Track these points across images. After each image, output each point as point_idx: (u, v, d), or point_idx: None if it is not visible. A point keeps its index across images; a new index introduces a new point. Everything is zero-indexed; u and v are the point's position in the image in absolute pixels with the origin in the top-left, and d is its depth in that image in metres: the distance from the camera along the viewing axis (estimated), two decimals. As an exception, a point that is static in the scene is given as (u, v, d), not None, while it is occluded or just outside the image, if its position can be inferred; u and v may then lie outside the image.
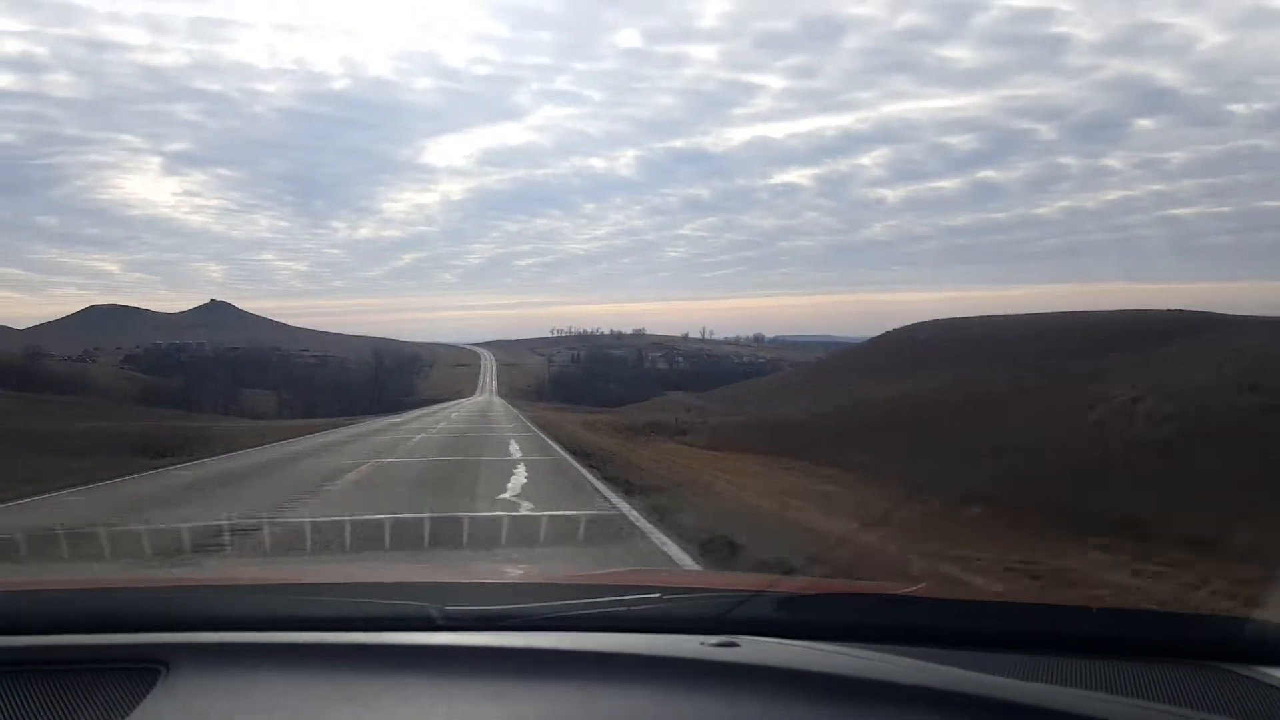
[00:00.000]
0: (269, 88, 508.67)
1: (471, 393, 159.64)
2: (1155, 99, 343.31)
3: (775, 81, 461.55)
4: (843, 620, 1.54)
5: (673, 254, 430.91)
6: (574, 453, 16.52)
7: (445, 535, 8.05)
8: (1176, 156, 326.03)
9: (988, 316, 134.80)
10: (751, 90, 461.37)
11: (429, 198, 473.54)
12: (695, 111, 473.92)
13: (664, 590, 1.66)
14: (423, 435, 27.35)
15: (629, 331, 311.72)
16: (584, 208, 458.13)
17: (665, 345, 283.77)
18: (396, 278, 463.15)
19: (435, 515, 8.65)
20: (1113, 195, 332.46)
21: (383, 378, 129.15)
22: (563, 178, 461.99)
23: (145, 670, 1.38)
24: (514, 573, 3.08)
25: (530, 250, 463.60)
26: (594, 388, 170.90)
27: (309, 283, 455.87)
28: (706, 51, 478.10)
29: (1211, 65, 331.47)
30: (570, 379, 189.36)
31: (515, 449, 19.02)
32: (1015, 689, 1.25)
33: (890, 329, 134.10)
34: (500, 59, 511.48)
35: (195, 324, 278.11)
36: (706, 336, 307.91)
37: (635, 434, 29.49)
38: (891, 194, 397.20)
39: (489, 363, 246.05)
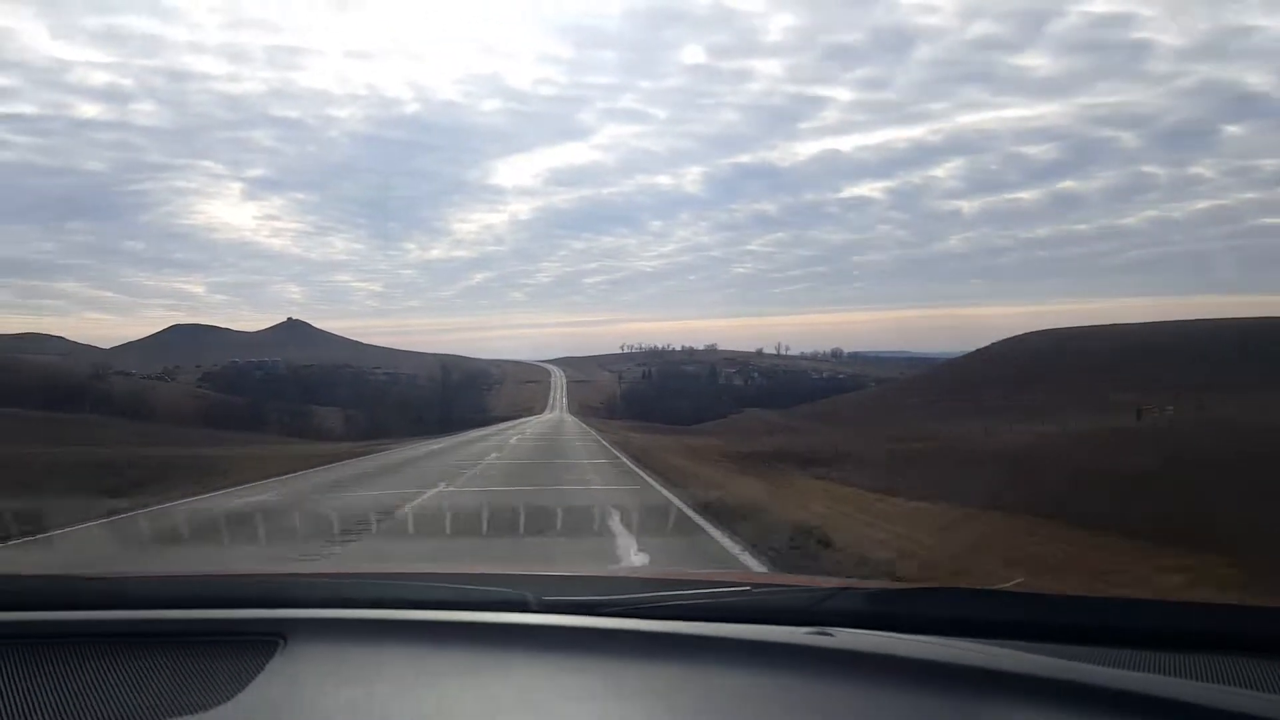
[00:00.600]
0: (342, 113, 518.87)
1: (542, 410, 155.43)
2: (1244, 104, 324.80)
3: (844, 94, 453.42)
4: (934, 613, 1.52)
5: (740, 270, 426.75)
6: (706, 511, 10.13)
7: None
8: (1269, 164, 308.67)
9: (1095, 327, 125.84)
10: (819, 103, 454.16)
11: (498, 218, 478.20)
12: (761, 126, 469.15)
13: (754, 585, 1.68)
14: (478, 468, 21.62)
15: (701, 347, 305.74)
16: (650, 225, 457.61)
17: (739, 361, 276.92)
18: (468, 296, 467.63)
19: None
20: (1202, 205, 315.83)
21: (450, 394, 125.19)
22: (628, 195, 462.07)
23: (266, 643, 1.48)
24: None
25: (597, 268, 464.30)
26: (667, 405, 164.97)
27: (384, 302, 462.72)
28: (772, 66, 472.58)
29: None
30: (642, 396, 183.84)
31: (607, 501, 11.83)
32: (1121, 679, 1.22)
33: (992, 341, 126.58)
34: (564, 79, 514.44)
35: (273, 342, 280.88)
36: (782, 352, 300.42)
37: (756, 465, 23.43)
38: (967, 206, 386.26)
39: (559, 379, 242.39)
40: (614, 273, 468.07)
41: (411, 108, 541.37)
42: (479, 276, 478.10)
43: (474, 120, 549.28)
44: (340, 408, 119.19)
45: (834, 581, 1.90)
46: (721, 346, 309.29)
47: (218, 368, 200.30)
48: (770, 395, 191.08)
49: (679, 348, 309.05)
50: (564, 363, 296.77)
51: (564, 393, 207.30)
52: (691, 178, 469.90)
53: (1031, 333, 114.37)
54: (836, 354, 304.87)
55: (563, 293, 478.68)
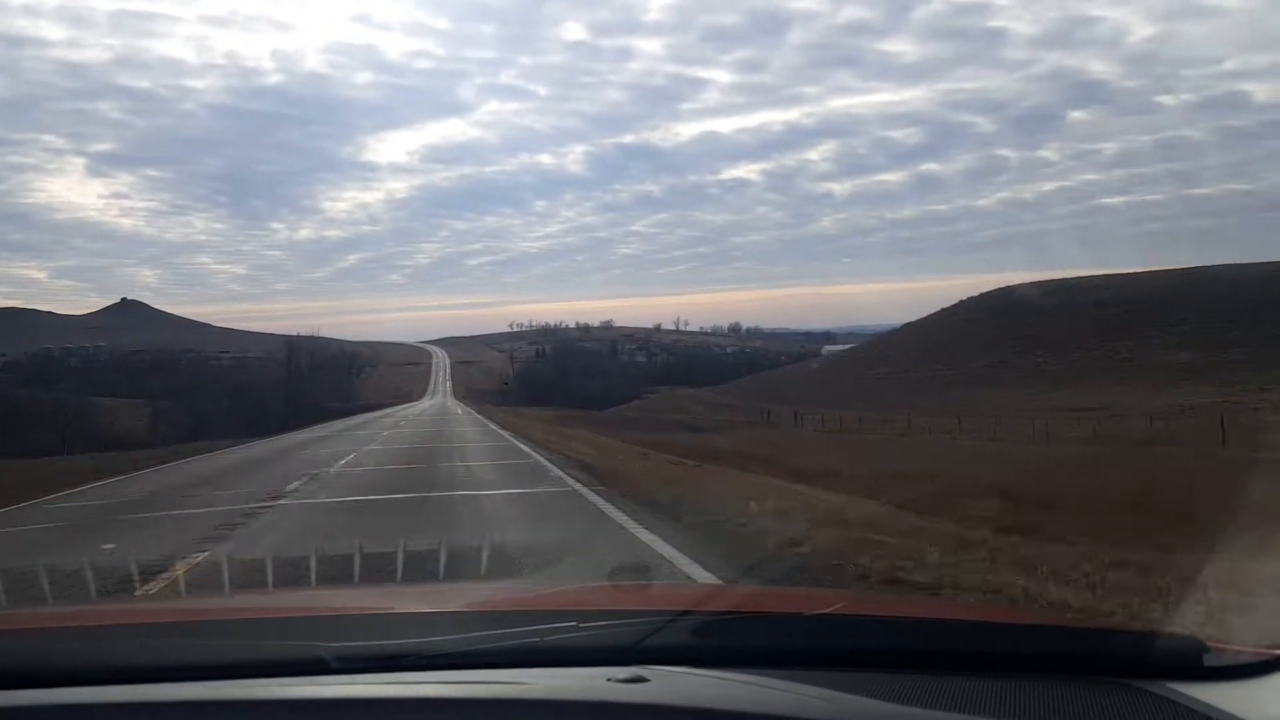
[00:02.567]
0: (199, 84, 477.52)
1: (421, 395, 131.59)
2: (1088, 90, 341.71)
3: (722, 76, 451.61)
4: (757, 644, 1.53)
5: (626, 250, 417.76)
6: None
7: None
8: (1109, 147, 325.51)
9: (1042, 283, 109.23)
10: (699, 85, 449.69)
11: (372, 196, 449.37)
12: (644, 106, 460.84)
13: (580, 616, 1.62)
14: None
15: (596, 324, 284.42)
16: (535, 205, 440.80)
17: (638, 337, 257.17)
18: (341, 279, 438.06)
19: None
20: (1049, 186, 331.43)
21: (301, 380, 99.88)
22: (511, 174, 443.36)
23: None
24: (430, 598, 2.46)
25: (481, 249, 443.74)
26: (568, 385, 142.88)
27: (249, 286, 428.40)
28: (653, 45, 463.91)
29: (1141, 58, 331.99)
30: (538, 376, 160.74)
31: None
32: (918, 717, 1.27)
33: (932, 311, 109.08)
34: (442, 52, 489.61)
35: (105, 326, 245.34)
36: (681, 328, 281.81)
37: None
38: (838, 188, 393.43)
39: (442, 360, 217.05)
40: (498, 254, 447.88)
41: (275, 79, 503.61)
42: (353, 258, 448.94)
43: (345, 94, 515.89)
44: (151, 399, 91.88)
45: (677, 599, 1.90)
46: (618, 323, 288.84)
47: (26, 355, 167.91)
48: (682, 372, 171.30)
49: (573, 325, 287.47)
50: (447, 343, 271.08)
51: (448, 375, 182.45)
52: (575, 157, 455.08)
53: (972, 297, 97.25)
54: (735, 329, 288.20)
55: (444, 275, 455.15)
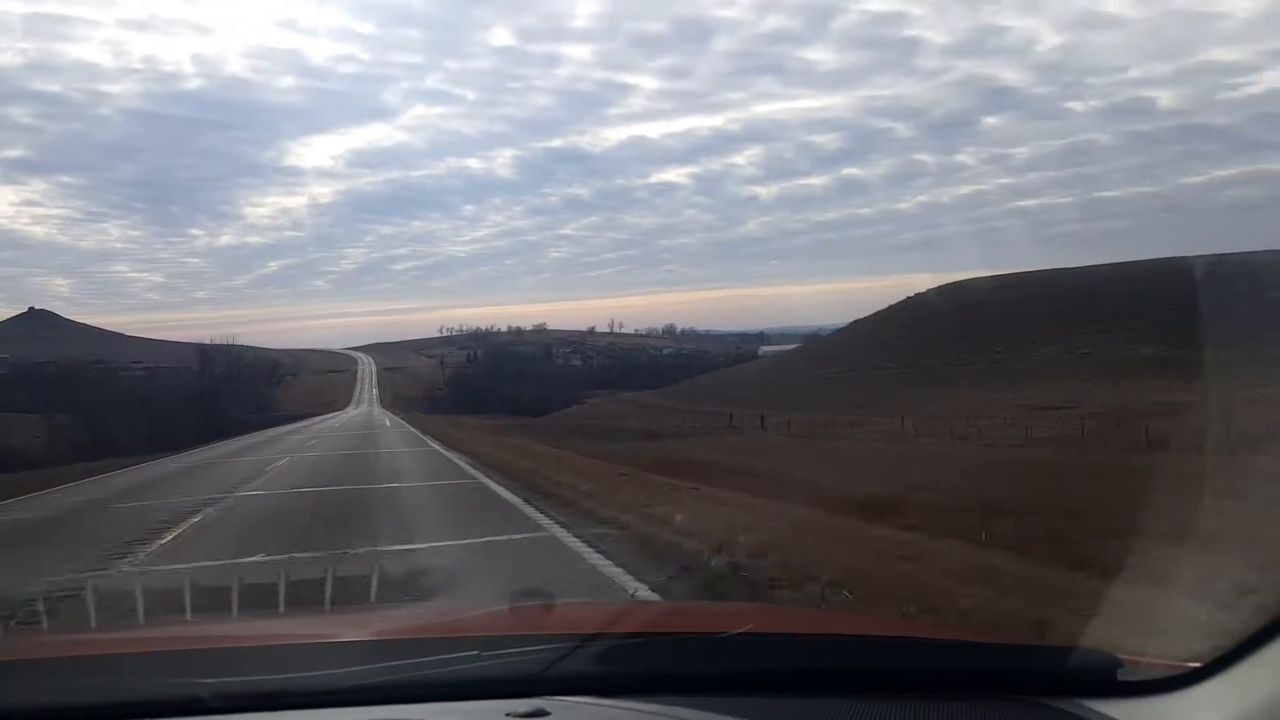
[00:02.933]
0: (115, 88, 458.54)
1: (347, 403, 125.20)
2: (1001, 97, 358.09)
3: (649, 82, 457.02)
4: (663, 670, 1.50)
5: (556, 254, 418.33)
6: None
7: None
8: (1021, 152, 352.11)
9: (973, 280, 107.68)
10: (626, 90, 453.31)
11: (295, 201, 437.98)
12: (572, 111, 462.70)
13: (482, 644, 1.56)
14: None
15: (529, 328, 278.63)
16: (463, 209, 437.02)
17: (572, 340, 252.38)
18: (263, 286, 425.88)
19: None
20: (965, 190, 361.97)
21: (214, 391, 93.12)
22: (439, 179, 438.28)
23: None
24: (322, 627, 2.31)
25: (408, 253, 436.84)
26: (502, 391, 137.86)
27: (167, 295, 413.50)
28: (581, 51, 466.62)
29: (1050, 65, 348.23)
30: (470, 382, 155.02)
31: None
32: None
33: (873, 311, 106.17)
34: (367, 57, 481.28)
35: (10, 337, 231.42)
36: (616, 330, 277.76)
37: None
38: (765, 191, 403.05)
39: (368, 367, 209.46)
40: (426, 258, 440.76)
41: (196, 83, 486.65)
42: (275, 264, 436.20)
43: (267, 98, 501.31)
44: (46, 414, 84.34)
45: (588, 620, 1.88)
46: (551, 326, 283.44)
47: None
48: (619, 375, 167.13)
49: (505, 329, 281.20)
50: (374, 349, 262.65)
51: (374, 382, 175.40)
52: (503, 161, 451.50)
53: (920, 294, 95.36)
54: (669, 331, 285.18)
55: (370, 280, 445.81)
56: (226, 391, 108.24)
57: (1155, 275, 75.53)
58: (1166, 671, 1.32)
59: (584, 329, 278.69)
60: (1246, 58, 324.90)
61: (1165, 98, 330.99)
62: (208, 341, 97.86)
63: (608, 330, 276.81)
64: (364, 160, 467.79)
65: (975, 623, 4.11)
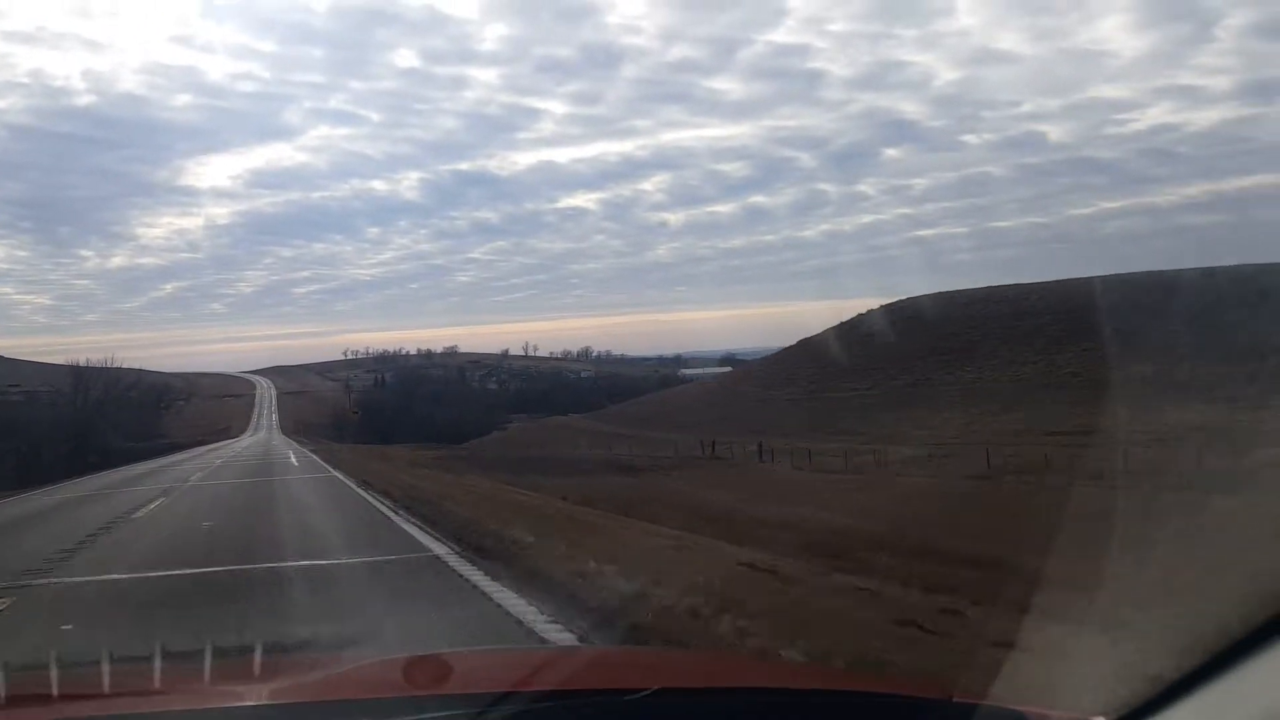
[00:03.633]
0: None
1: (243, 430, 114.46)
2: (900, 130, 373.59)
3: (558, 107, 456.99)
4: None
5: (464, 278, 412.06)
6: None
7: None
8: (919, 183, 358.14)
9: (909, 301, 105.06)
10: (535, 115, 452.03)
11: (191, 222, 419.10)
12: (479, 134, 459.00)
13: (376, 709, 1.50)
14: None
15: (439, 350, 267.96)
16: (367, 232, 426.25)
17: (486, 363, 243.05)
18: (157, 309, 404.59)
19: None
20: (866, 219, 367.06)
21: (89, 416, 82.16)
22: (342, 200, 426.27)
23: None
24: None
25: (310, 276, 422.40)
26: (416, 416, 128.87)
27: (55, 317, 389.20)
28: (488, 75, 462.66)
29: (947, 99, 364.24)
30: (380, 407, 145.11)
31: None
32: None
33: (805, 336, 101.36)
34: (268, 75, 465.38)
35: None
36: (530, 353, 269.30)
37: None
38: (673, 217, 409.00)
39: (267, 391, 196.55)
40: (328, 281, 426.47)
41: (86, 99, 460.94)
42: (170, 286, 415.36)
43: (162, 115, 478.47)
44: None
45: (508, 673, 1.86)
46: (462, 350, 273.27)
47: None
48: (539, 399, 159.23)
49: (414, 351, 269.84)
50: (273, 373, 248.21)
51: (274, 407, 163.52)
52: (409, 184, 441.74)
53: (885, 307, 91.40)
54: (585, 354, 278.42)
55: (271, 303, 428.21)
56: (107, 417, 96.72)
57: (1135, 287, 72.41)
58: None
59: (498, 352, 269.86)
60: (1132, 95, 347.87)
61: (1055, 132, 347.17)
62: (83, 362, 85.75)
63: (522, 354, 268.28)
64: (264, 181, 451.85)
65: (890, 674, 4.18)
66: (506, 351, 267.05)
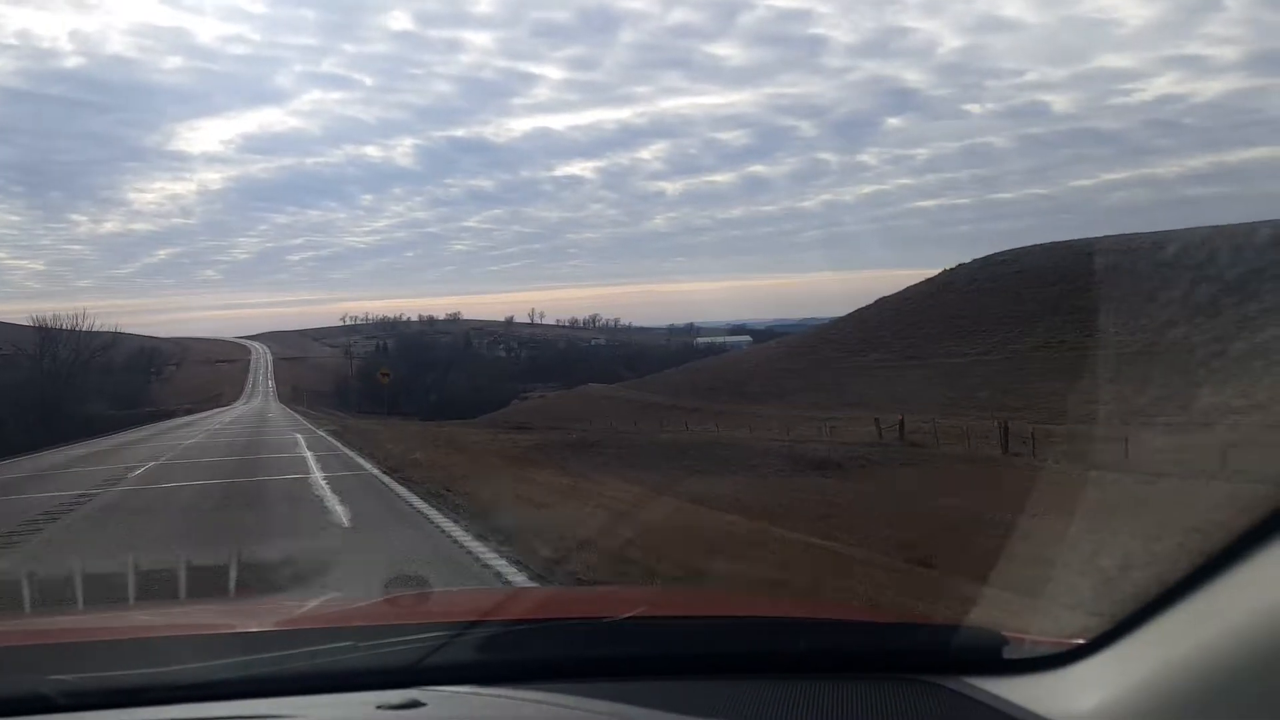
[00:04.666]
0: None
1: (235, 398, 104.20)
2: (903, 98, 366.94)
3: (554, 72, 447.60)
4: (547, 656, 1.47)
5: (459, 247, 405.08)
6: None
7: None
8: (921, 153, 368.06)
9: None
10: (531, 80, 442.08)
11: (184, 187, 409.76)
12: (475, 100, 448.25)
13: (359, 634, 1.50)
14: None
15: (442, 317, 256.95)
16: (361, 199, 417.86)
17: (490, 331, 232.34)
18: (150, 275, 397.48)
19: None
20: (867, 189, 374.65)
21: (63, 381, 71.36)
22: (336, 167, 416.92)
23: None
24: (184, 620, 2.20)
25: (304, 244, 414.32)
26: (426, 385, 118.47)
27: (49, 283, 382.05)
28: (483, 38, 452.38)
29: (951, 68, 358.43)
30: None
31: None
32: None
33: (866, 304, 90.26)
34: (258, 38, 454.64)
35: None
36: (536, 320, 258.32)
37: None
38: (670, 187, 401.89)
39: (263, 356, 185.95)
40: (322, 249, 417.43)
41: (74, 61, 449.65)
42: (163, 252, 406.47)
43: (153, 79, 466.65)
44: None
45: (477, 606, 1.80)
46: (466, 316, 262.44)
47: None
48: (555, 367, 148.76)
49: (415, 318, 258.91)
50: (269, 338, 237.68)
51: (269, 373, 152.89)
52: (403, 150, 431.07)
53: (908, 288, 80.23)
54: (592, 322, 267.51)
55: (265, 270, 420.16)
56: (87, 382, 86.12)
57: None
58: (1051, 649, 1.30)
59: (501, 319, 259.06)
60: (1137, 65, 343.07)
61: (1059, 102, 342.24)
62: (50, 319, 74.60)
63: (528, 321, 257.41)
64: (256, 146, 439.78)
65: (862, 603, 4.07)
66: (511, 319, 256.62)
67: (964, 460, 23.64)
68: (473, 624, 1.50)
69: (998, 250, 69.05)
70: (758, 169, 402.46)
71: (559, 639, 1.55)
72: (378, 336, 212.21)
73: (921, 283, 72.98)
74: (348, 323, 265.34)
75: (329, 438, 23.15)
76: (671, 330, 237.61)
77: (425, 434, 24.13)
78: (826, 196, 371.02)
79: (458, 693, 1.32)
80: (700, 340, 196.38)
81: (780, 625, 1.73)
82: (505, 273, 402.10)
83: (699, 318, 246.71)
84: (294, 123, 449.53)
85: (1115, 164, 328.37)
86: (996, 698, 1.25)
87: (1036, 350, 50.82)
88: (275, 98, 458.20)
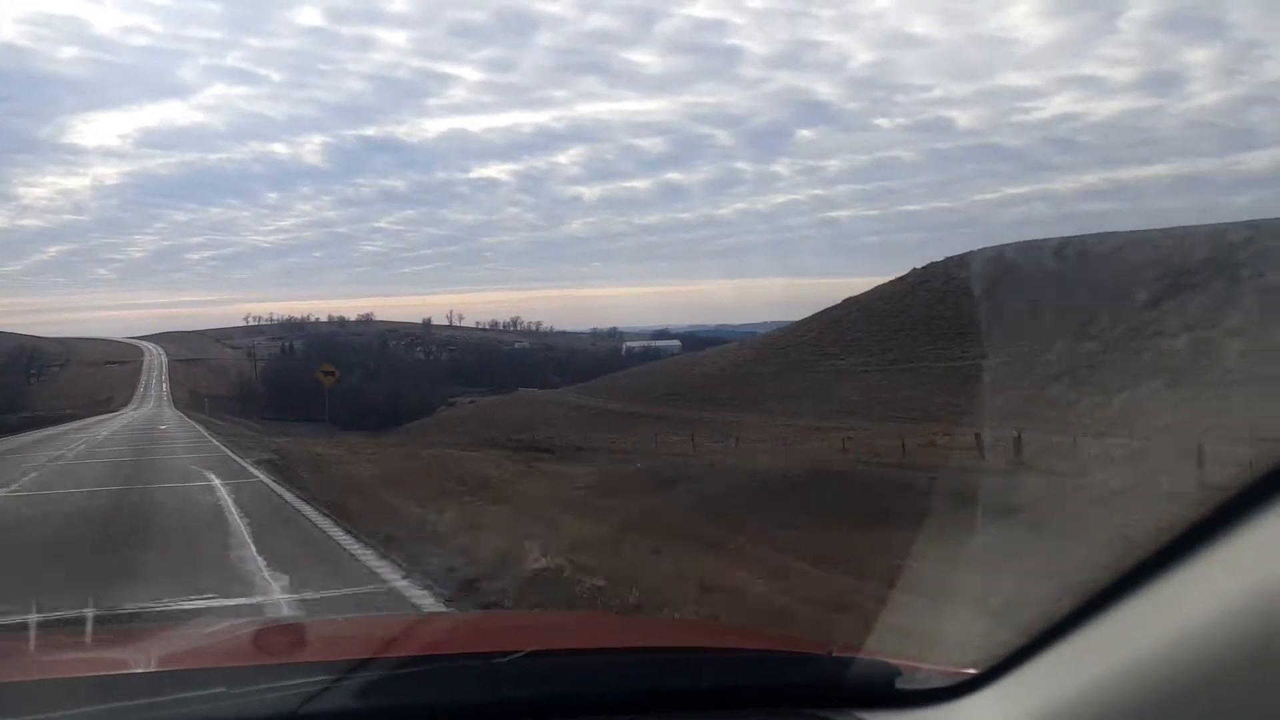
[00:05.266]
0: None
1: (126, 403, 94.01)
2: (815, 111, 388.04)
3: (471, 74, 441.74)
4: (433, 700, 1.44)
5: (370, 248, 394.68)
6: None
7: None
8: (833, 164, 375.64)
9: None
10: (446, 81, 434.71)
11: (77, 182, 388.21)
12: (388, 99, 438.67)
13: (230, 677, 1.44)
14: None
15: (354, 318, 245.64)
16: (266, 197, 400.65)
17: (406, 333, 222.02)
18: (39, 274, 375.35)
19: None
20: (780, 199, 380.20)
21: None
22: (240, 163, 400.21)
23: None
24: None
25: (205, 242, 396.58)
26: (341, 390, 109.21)
27: None
28: (397, 37, 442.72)
29: (861, 82, 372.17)
30: (290, 377, 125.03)
31: None
32: None
33: (824, 307, 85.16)
34: (160, 29, 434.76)
35: None
36: (455, 323, 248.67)
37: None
38: (588, 192, 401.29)
39: (157, 358, 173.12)
40: (224, 248, 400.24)
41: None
42: (54, 250, 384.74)
43: (45, 69, 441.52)
44: None
45: (356, 642, 1.73)
46: (379, 317, 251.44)
47: None
48: (479, 371, 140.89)
49: (325, 319, 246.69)
50: (165, 339, 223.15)
51: (165, 376, 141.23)
52: (312, 148, 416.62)
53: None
54: (513, 325, 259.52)
55: (163, 269, 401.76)
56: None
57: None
58: (943, 679, 1.31)
59: (417, 321, 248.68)
60: (1037, 83, 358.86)
61: (964, 118, 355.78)
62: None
63: (446, 324, 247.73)
64: (156, 140, 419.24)
65: (758, 629, 4.02)
66: (429, 321, 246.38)
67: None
68: (356, 666, 1.42)
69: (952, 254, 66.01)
70: (675, 176, 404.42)
71: (448, 680, 1.50)
72: (283, 337, 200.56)
73: (892, 281, 68.23)
74: (251, 323, 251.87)
75: (281, 491, 13.14)
76: (595, 334, 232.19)
77: (431, 469, 16.56)
78: (741, 205, 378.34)
79: None
80: (629, 345, 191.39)
81: (678, 660, 1.70)
82: (419, 275, 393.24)
83: (618, 323, 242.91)
84: (197, 117, 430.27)
85: (1016, 179, 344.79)
86: None
87: (1031, 355, 46.31)
88: (177, 91, 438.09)
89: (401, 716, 1.36)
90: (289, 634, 1.70)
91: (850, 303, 69.35)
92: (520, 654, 1.52)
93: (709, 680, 1.49)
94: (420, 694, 1.42)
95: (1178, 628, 0.89)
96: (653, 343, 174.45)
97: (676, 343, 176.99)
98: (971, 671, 1.24)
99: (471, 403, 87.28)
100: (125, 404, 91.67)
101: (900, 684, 1.35)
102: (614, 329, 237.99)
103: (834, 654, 1.59)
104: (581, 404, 58.26)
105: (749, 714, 1.36)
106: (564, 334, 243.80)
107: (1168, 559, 0.93)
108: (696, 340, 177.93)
